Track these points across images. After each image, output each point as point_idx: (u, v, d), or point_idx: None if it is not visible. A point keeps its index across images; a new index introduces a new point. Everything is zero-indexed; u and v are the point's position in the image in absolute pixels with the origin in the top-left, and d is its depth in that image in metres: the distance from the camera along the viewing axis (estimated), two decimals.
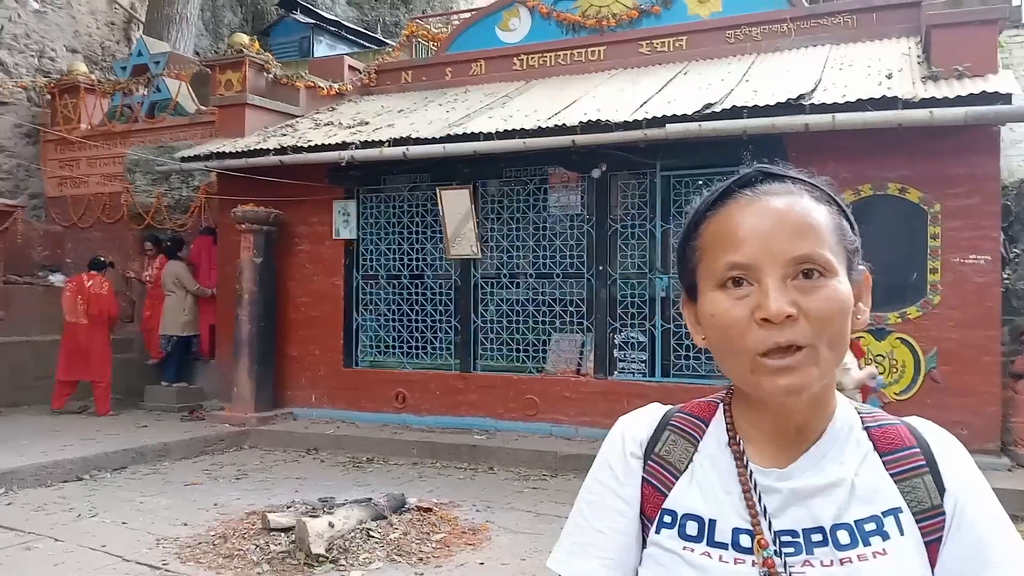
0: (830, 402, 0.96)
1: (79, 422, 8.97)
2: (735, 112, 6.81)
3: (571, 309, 8.45)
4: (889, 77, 6.96)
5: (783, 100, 6.67)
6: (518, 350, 8.67)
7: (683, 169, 7.80)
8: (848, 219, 0.97)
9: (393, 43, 12.79)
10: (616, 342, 8.21)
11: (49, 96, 12.41)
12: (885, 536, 0.90)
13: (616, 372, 8.18)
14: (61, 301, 9.70)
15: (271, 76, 10.37)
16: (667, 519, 0.97)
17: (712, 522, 0.94)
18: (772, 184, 0.94)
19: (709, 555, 0.93)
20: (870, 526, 0.91)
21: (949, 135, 6.65)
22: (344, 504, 5.26)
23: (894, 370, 6.98)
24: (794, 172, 0.97)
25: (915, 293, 6.94)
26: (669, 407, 1.07)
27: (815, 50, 8.35)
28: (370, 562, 4.73)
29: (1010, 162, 7.65)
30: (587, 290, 8.37)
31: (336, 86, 10.66)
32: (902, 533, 0.91)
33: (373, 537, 5.00)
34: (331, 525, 4.84)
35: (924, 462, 0.94)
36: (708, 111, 6.92)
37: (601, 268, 8.21)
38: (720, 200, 0.95)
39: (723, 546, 0.93)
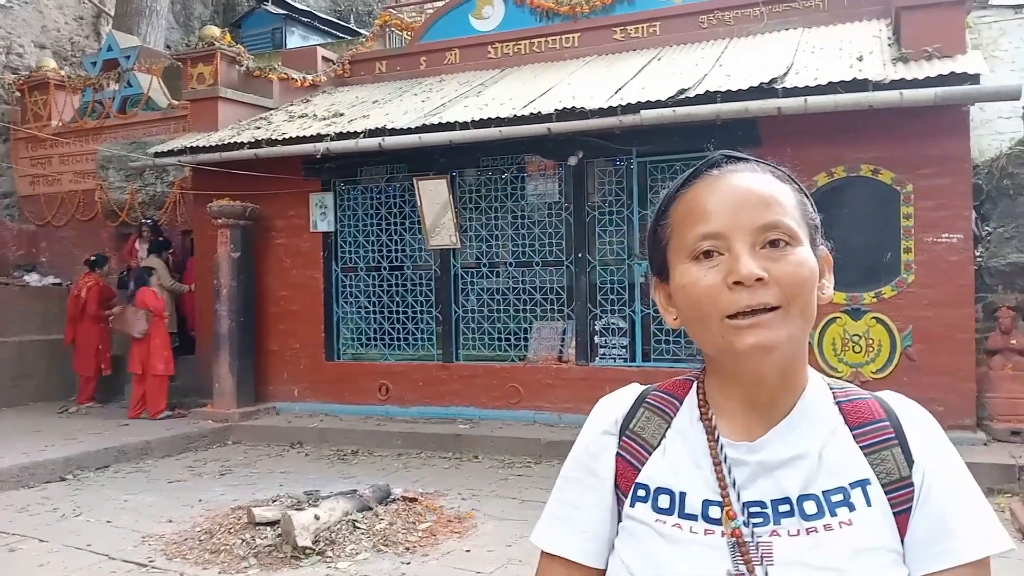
0: (801, 376, 0.98)
1: (60, 422, 8.91)
2: (709, 97, 6.86)
3: (551, 297, 8.49)
4: (860, 59, 7.02)
5: (756, 84, 6.72)
6: (500, 339, 8.70)
7: (659, 155, 7.84)
8: (808, 198, 1.01)
9: (366, 33, 12.73)
10: (597, 329, 8.26)
11: (18, 93, 12.24)
12: (851, 507, 0.92)
13: (597, 358, 8.24)
14: None
15: (243, 68, 10.29)
16: (641, 493, 1.00)
17: (683, 495, 0.97)
18: (737, 164, 0.99)
19: (680, 526, 0.95)
20: (837, 497, 0.93)
21: (920, 116, 6.73)
22: (329, 496, 5.27)
23: (870, 349, 7.07)
24: (755, 159, 1.01)
25: (889, 273, 7.04)
26: (647, 386, 1.10)
27: (787, 34, 8.40)
28: (357, 553, 4.75)
29: (980, 141, 7.76)
30: (567, 278, 8.40)
31: (310, 78, 10.59)
32: (869, 504, 0.93)
33: (359, 528, 5.02)
34: (317, 517, 4.86)
35: (893, 434, 0.96)
36: (682, 97, 6.96)
37: (580, 255, 8.25)
38: (688, 181, 1.00)
39: (693, 517, 0.95)
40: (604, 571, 1.02)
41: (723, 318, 0.91)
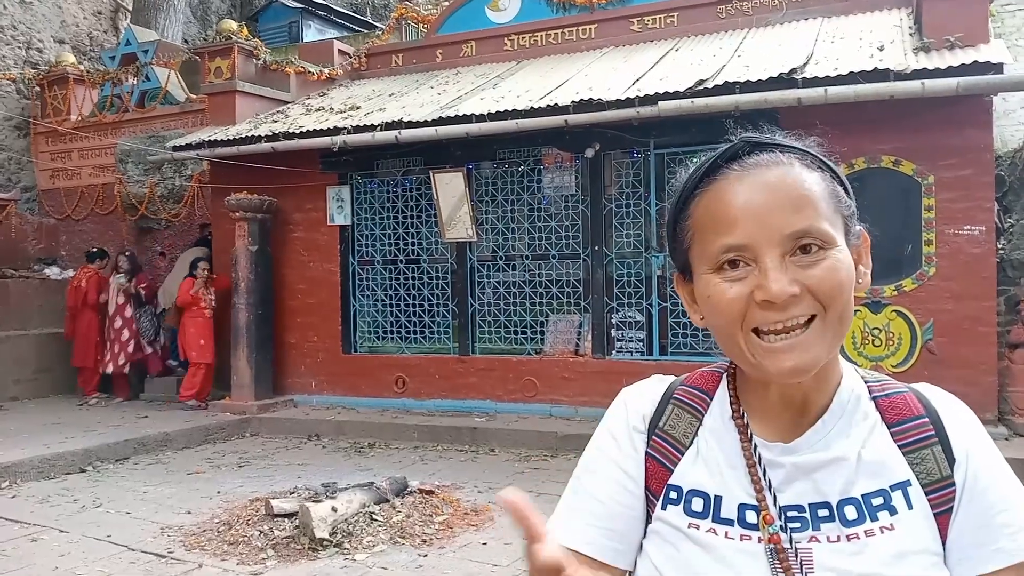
0: (835, 373, 0.94)
1: (80, 414, 9.00)
2: (727, 88, 6.79)
3: (568, 290, 8.46)
4: (881, 49, 6.94)
5: (775, 75, 6.65)
6: (516, 332, 8.69)
7: (677, 146, 7.79)
8: (842, 182, 0.94)
9: (383, 26, 12.72)
10: (613, 322, 8.23)
11: (38, 88, 12.34)
12: (892, 511, 0.89)
13: (614, 352, 8.21)
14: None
15: (260, 62, 10.31)
16: (673, 495, 0.96)
17: (718, 498, 0.93)
18: (761, 155, 0.90)
19: (715, 531, 0.92)
20: (877, 500, 0.89)
21: (942, 106, 6.64)
22: (347, 488, 5.29)
23: (891, 343, 7.00)
24: (782, 139, 0.93)
25: (910, 265, 6.96)
26: (672, 379, 1.05)
27: (807, 23, 8.31)
28: (374, 545, 4.76)
29: (1003, 132, 7.64)
30: (583, 270, 8.37)
31: (326, 71, 10.60)
32: (910, 507, 0.89)
33: (376, 520, 5.04)
34: (334, 509, 4.88)
35: (933, 432, 0.92)
36: (700, 87, 6.90)
37: (597, 248, 8.21)
38: (708, 175, 0.92)
39: (729, 522, 0.92)
40: (624, 571, 0.98)
41: (750, 332, 0.86)
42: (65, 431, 7.86)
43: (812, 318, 0.86)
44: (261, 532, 4.92)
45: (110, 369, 9.87)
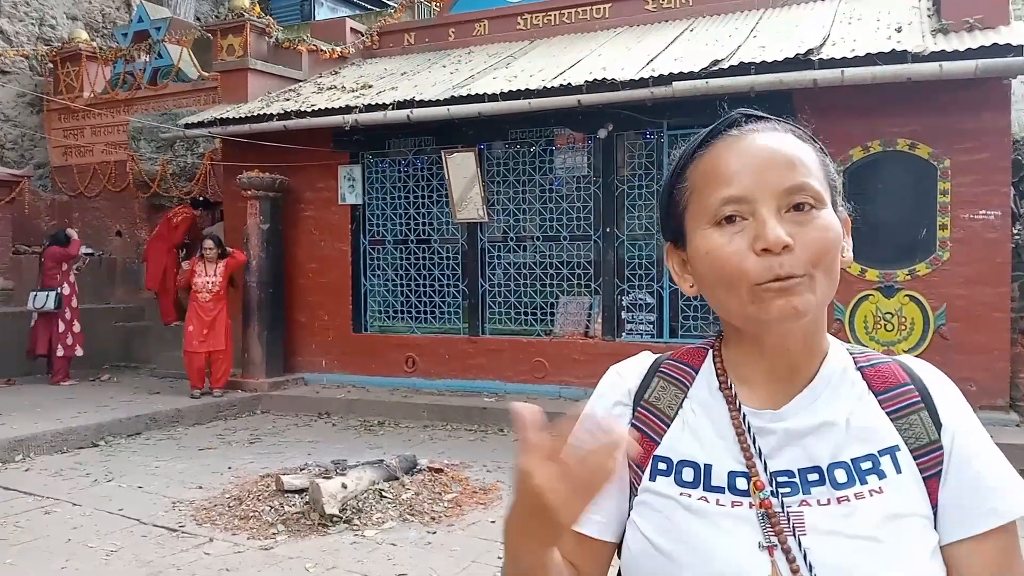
0: (822, 342, 0.96)
1: (92, 390, 9.07)
2: (743, 68, 6.73)
3: (578, 271, 8.44)
4: (899, 31, 6.86)
5: (791, 55, 6.58)
6: (526, 313, 8.68)
7: (691, 128, 7.71)
8: (829, 159, 0.98)
9: (395, 4, 12.64)
10: (624, 304, 8.21)
11: (51, 64, 12.36)
12: (881, 475, 0.90)
13: (624, 334, 8.19)
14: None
15: (273, 40, 10.28)
16: (662, 466, 0.97)
17: (708, 467, 0.94)
18: (757, 123, 0.96)
19: (706, 499, 0.93)
20: (866, 465, 0.91)
21: (959, 89, 6.57)
22: (356, 466, 5.32)
23: (903, 327, 6.96)
24: (775, 117, 0.98)
25: (924, 250, 6.90)
26: (659, 355, 1.07)
27: (824, 4, 8.22)
28: (383, 522, 4.79)
29: (1021, 116, 7.56)
30: (594, 252, 8.35)
31: (338, 49, 10.56)
32: (899, 471, 0.91)
33: (386, 497, 5.07)
34: (344, 486, 4.91)
35: (919, 398, 0.94)
36: (715, 68, 6.84)
37: (608, 230, 8.19)
38: (706, 141, 0.97)
39: (720, 490, 0.93)
40: (612, 544, 1.00)
41: (752, 286, 0.88)
42: (78, 406, 7.92)
43: (803, 275, 0.88)
44: (271, 507, 4.96)
45: (60, 352, 9.48)
